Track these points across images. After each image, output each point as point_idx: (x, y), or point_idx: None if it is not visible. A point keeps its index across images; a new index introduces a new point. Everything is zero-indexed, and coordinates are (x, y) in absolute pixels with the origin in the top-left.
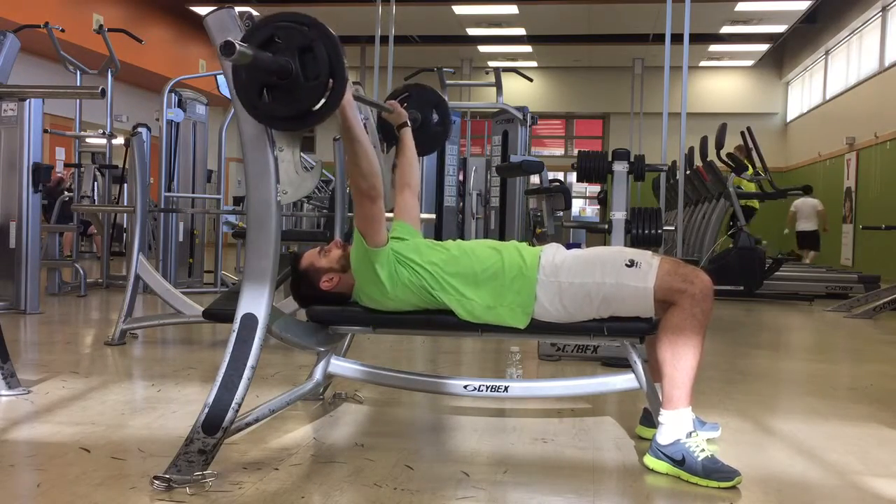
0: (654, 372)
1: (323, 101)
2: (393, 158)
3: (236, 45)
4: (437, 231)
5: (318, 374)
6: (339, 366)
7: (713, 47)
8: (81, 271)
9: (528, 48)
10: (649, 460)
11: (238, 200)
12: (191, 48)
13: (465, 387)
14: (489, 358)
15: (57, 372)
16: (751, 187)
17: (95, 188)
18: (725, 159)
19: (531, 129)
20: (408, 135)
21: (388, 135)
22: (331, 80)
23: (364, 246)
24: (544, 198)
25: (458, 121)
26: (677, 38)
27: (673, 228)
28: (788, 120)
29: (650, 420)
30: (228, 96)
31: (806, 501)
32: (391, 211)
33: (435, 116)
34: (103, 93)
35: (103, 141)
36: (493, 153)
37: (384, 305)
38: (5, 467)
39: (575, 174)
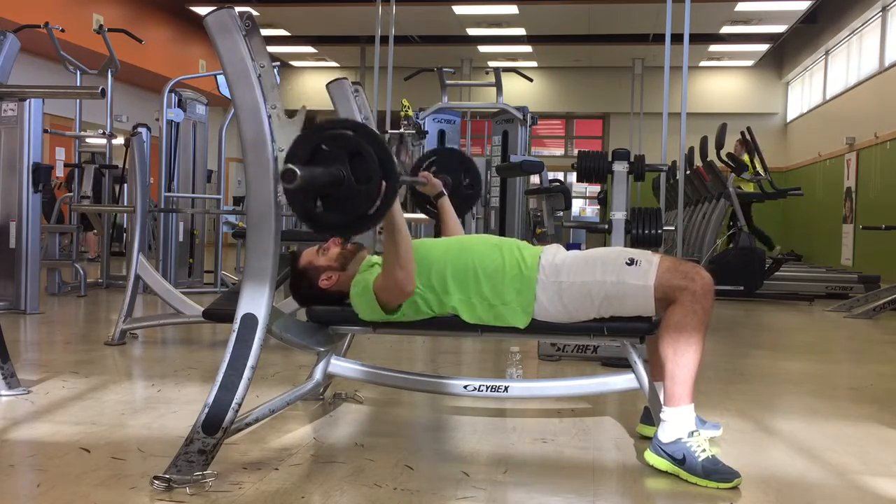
0: (655, 371)
1: (378, 203)
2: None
3: (297, 171)
4: (437, 231)
5: (318, 374)
6: (339, 366)
7: (713, 47)
8: (81, 271)
9: (528, 48)
10: (650, 457)
11: (238, 200)
12: (191, 48)
13: (465, 387)
14: (489, 358)
15: (57, 372)
16: (750, 187)
17: (103, 185)
18: (725, 159)
19: (531, 129)
20: (447, 204)
21: (424, 206)
22: (383, 182)
23: (374, 302)
24: (544, 198)
25: (458, 121)
26: (677, 39)
27: (673, 228)
28: (788, 120)
29: (651, 418)
30: (228, 96)
31: (806, 501)
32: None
33: (465, 179)
34: (103, 93)
35: (103, 141)
36: (493, 153)
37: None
38: (5, 467)
39: (575, 174)
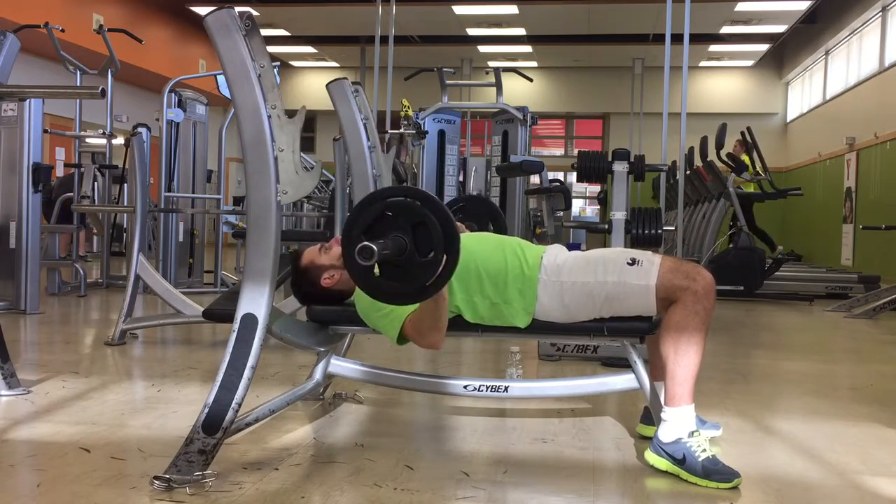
0: (655, 371)
1: (437, 274)
2: (393, 158)
3: (375, 249)
4: None
5: (318, 374)
6: (339, 366)
7: (713, 47)
8: (81, 271)
9: (528, 48)
10: (650, 456)
11: (238, 200)
12: (191, 48)
13: (465, 387)
14: (489, 358)
15: (57, 372)
16: (750, 187)
17: (95, 188)
18: (725, 159)
19: (531, 129)
20: None
21: None
22: (444, 256)
23: (396, 331)
24: (544, 198)
25: (458, 121)
26: (677, 38)
27: (673, 228)
28: (788, 120)
29: (651, 418)
30: (228, 96)
31: (806, 501)
32: None
33: (490, 227)
34: (103, 93)
35: (103, 141)
36: (493, 153)
37: None
38: (5, 467)
39: (575, 174)
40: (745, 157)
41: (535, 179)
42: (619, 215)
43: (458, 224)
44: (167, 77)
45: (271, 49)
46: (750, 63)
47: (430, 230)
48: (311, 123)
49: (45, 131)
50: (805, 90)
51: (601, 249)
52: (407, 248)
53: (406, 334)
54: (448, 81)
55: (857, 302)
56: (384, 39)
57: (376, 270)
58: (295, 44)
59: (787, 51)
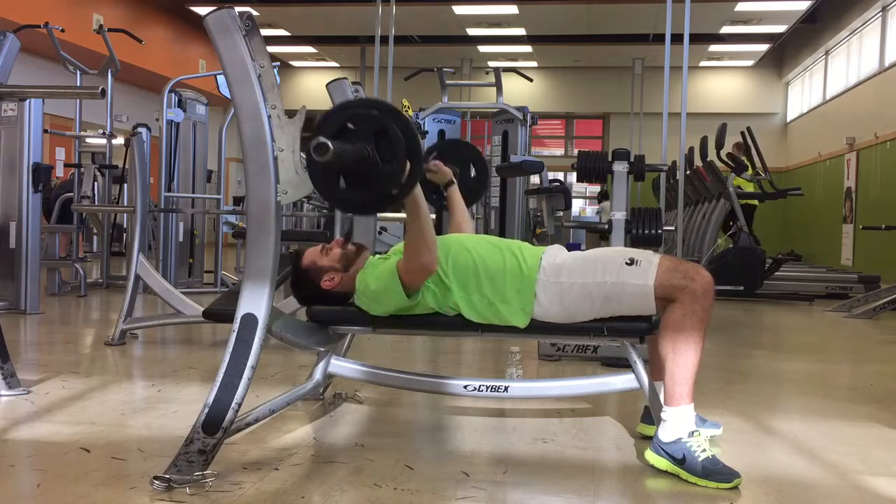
0: (655, 370)
1: (402, 182)
2: None
3: (330, 144)
4: (437, 231)
5: (318, 374)
6: (339, 366)
7: (713, 47)
8: (81, 271)
9: (528, 48)
10: (650, 456)
11: (238, 200)
12: (191, 48)
13: (465, 387)
14: (489, 358)
15: (57, 372)
16: (750, 187)
17: (95, 188)
18: (725, 159)
19: (531, 129)
20: (456, 193)
21: (430, 195)
22: (408, 163)
23: (398, 287)
24: (544, 198)
25: (458, 121)
26: (677, 39)
27: (673, 228)
28: (788, 120)
29: (651, 418)
30: (228, 96)
31: (806, 501)
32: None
33: (472, 171)
34: (103, 93)
35: (103, 141)
36: (493, 153)
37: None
38: (5, 467)
39: (575, 174)
40: (746, 159)
41: (535, 179)
42: (619, 215)
43: (437, 162)
44: (167, 77)
45: (271, 49)
46: (750, 63)
47: (392, 138)
48: (311, 123)
49: (45, 131)
50: (805, 90)
51: (600, 249)
52: (369, 156)
53: (404, 277)
54: (448, 81)
55: (857, 302)
56: (384, 39)
57: (342, 184)
58: (295, 44)
59: (787, 51)
